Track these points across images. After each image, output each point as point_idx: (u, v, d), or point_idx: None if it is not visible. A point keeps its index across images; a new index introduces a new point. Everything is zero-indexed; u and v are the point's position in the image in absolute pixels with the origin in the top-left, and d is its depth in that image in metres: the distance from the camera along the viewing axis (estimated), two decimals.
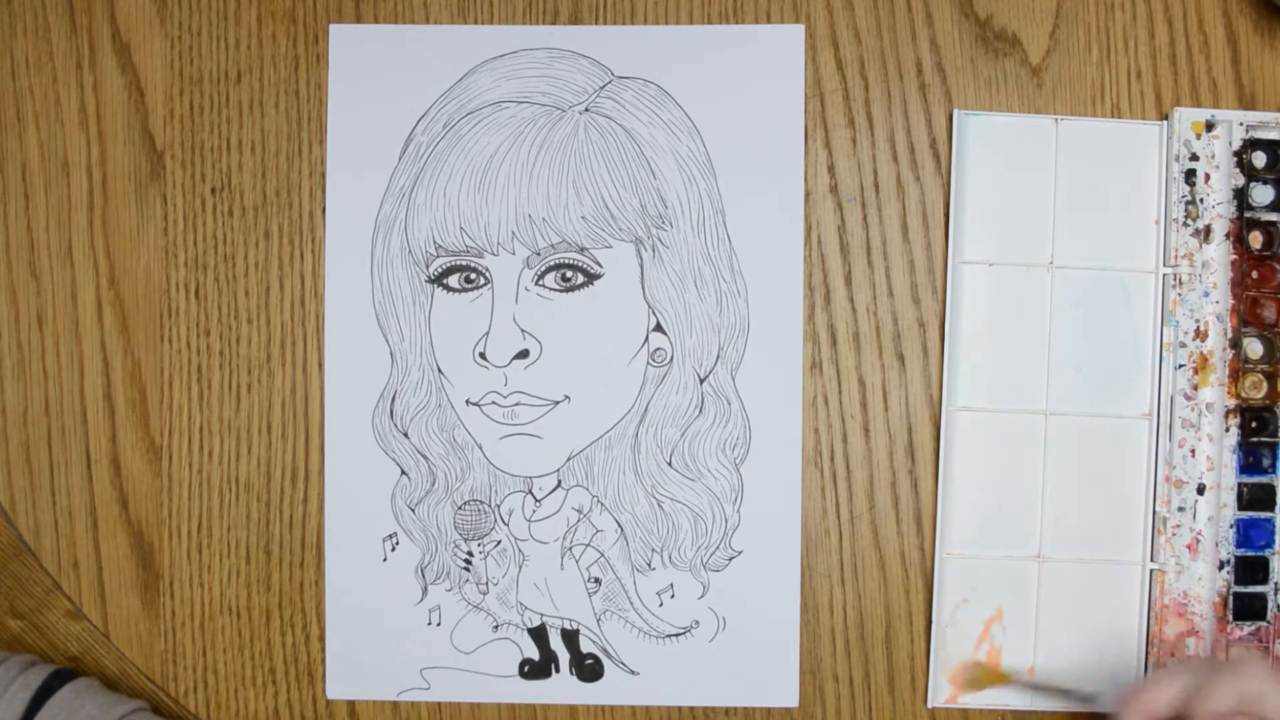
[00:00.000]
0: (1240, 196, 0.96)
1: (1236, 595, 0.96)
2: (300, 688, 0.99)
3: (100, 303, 0.99)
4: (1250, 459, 0.96)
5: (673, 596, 0.98)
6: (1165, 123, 0.97)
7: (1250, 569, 0.96)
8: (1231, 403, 0.96)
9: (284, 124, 0.99)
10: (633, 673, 0.98)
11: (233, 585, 0.99)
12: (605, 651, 0.98)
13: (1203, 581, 0.96)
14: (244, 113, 0.99)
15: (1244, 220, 0.96)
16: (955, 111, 0.97)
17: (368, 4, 0.99)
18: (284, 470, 0.99)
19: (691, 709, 0.98)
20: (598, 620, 0.98)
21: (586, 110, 0.98)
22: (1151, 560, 0.96)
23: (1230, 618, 0.96)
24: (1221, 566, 0.96)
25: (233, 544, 0.99)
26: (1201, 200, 0.96)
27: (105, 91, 0.99)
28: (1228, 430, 0.96)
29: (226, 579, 0.99)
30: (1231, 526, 0.96)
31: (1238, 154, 0.96)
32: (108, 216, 0.99)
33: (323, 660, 0.98)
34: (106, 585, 0.99)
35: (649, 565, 0.98)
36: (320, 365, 0.98)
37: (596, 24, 0.98)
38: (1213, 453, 0.96)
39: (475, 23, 0.98)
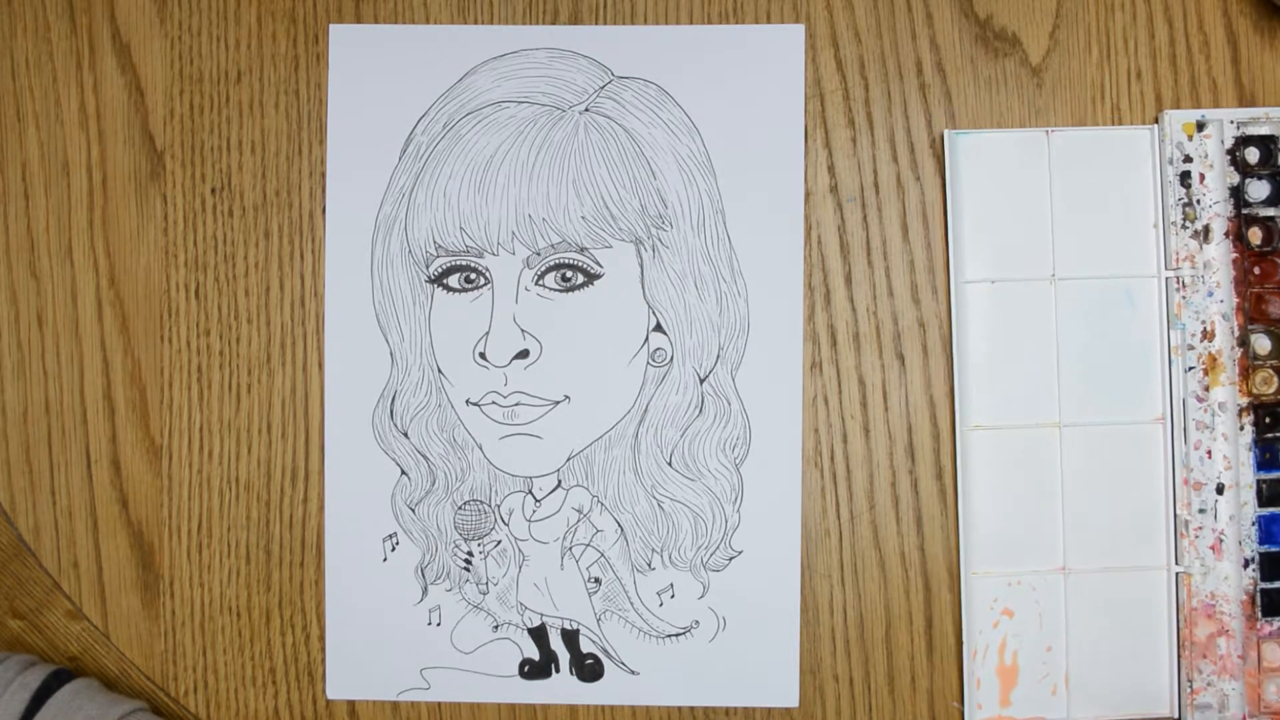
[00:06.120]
0: (1236, 194, 0.96)
1: (1264, 592, 0.96)
2: (300, 688, 0.99)
3: (100, 303, 0.99)
4: (1267, 455, 0.96)
5: (673, 596, 0.98)
6: (1156, 126, 0.97)
7: (1275, 565, 0.96)
8: (1244, 400, 0.96)
9: (284, 124, 0.99)
10: (633, 673, 0.98)
11: (233, 585, 0.99)
12: (605, 651, 0.98)
13: (1229, 581, 0.96)
14: (244, 113, 0.99)
15: (1242, 217, 0.96)
16: (945, 132, 0.97)
17: (368, 4, 0.99)
18: (284, 470, 0.98)
19: (691, 709, 0.98)
20: (598, 620, 0.98)
21: (586, 110, 0.98)
22: (1176, 563, 0.96)
23: (1259, 614, 0.96)
24: (1246, 564, 0.96)
25: (233, 544, 0.99)
26: (1198, 201, 0.96)
27: (105, 91, 0.99)
28: (1242, 428, 0.96)
29: (226, 579, 0.99)
30: (1253, 524, 0.96)
31: (1230, 151, 0.96)
32: (108, 216, 0.99)
33: (323, 660, 0.98)
34: (106, 585, 0.99)
35: (649, 565, 0.98)
36: (320, 365, 0.98)
37: (596, 24, 0.98)
38: (1229, 452, 0.96)
39: (475, 23, 0.98)
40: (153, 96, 1.00)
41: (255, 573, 0.99)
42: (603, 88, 0.98)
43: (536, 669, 0.98)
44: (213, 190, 0.99)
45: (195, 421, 0.99)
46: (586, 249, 0.97)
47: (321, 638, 0.98)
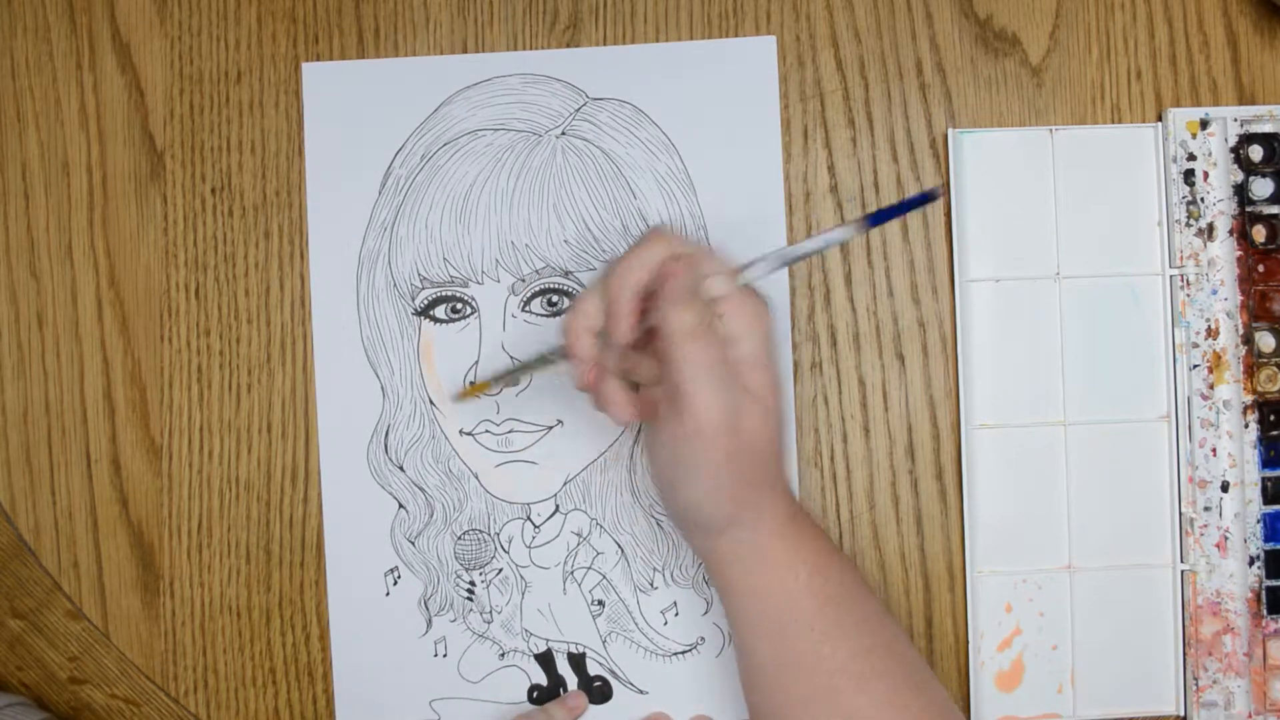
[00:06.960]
0: (1240, 192, 0.96)
1: (1269, 589, 0.96)
2: (300, 688, 0.99)
3: (100, 303, 0.99)
4: (1271, 453, 0.96)
5: (676, 614, 0.98)
6: (1160, 124, 0.97)
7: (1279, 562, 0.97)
8: (1248, 398, 0.96)
9: (284, 124, 0.99)
10: (641, 692, 0.98)
11: (233, 585, 0.99)
12: (613, 673, 0.98)
13: (1234, 579, 0.96)
14: (244, 113, 0.99)
15: (1246, 215, 0.96)
16: (949, 131, 0.97)
17: (368, 3, 0.99)
18: (284, 470, 0.99)
19: None
20: (603, 642, 0.98)
21: (563, 134, 0.98)
22: (1182, 561, 0.97)
23: (1264, 612, 0.96)
24: (1252, 562, 0.96)
25: (233, 544, 0.99)
26: (1202, 199, 0.96)
27: (105, 91, 0.99)
28: (1246, 426, 0.96)
29: (226, 579, 0.99)
30: (1258, 521, 0.96)
31: (1234, 150, 0.96)
32: (108, 216, 0.99)
33: (323, 660, 0.98)
34: (106, 585, 0.99)
35: (651, 585, 0.98)
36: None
37: (572, 47, 0.98)
38: (1234, 449, 0.97)
39: (474, 37, 0.98)
40: (153, 96, 1.00)
41: (255, 573, 0.99)
42: (578, 110, 0.98)
43: (545, 694, 0.98)
44: (213, 190, 0.99)
45: (195, 421, 0.99)
46: (571, 272, 0.97)
47: (322, 638, 0.99)
